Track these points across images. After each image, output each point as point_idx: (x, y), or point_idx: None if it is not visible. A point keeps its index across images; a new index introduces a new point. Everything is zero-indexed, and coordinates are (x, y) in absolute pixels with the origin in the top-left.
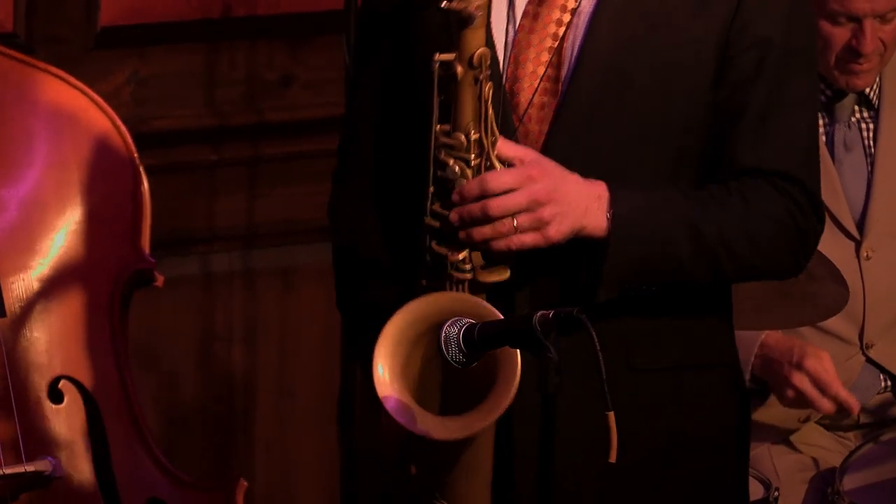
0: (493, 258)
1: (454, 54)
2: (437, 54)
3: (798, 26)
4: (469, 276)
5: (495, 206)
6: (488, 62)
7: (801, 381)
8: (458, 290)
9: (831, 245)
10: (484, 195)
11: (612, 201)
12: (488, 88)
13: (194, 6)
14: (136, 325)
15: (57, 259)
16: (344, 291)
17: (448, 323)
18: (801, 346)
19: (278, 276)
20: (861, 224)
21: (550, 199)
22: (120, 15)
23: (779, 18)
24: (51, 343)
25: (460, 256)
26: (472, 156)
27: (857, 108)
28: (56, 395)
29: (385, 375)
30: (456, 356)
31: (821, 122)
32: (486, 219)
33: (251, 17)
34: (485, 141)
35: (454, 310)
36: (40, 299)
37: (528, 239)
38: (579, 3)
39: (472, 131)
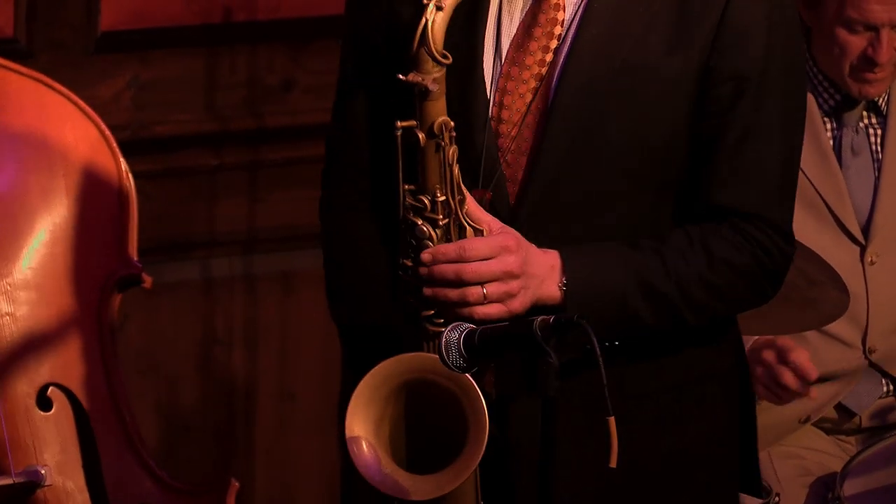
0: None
1: (415, 122)
2: (399, 122)
3: (777, 55)
4: (442, 329)
5: (470, 270)
6: (450, 129)
7: (768, 354)
8: (431, 341)
9: (836, 249)
10: (460, 259)
11: (564, 270)
12: (452, 152)
13: (195, 11)
14: (137, 330)
15: (43, 266)
16: (339, 310)
17: (448, 328)
18: (770, 336)
19: (279, 280)
20: (866, 229)
21: (522, 271)
22: (120, 19)
23: (755, 52)
24: (38, 350)
25: (432, 311)
26: (440, 217)
27: (865, 113)
28: (45, 403)
29: (358, 436)
30: (456, 361)
31: (828, 126)
32: (458, 282)
33: (252, 21)
34: (451, 202)
35: (425, 368)
36: (26, 306)
37: (493, 310)
38: (561, 41)
39: (439, 193)
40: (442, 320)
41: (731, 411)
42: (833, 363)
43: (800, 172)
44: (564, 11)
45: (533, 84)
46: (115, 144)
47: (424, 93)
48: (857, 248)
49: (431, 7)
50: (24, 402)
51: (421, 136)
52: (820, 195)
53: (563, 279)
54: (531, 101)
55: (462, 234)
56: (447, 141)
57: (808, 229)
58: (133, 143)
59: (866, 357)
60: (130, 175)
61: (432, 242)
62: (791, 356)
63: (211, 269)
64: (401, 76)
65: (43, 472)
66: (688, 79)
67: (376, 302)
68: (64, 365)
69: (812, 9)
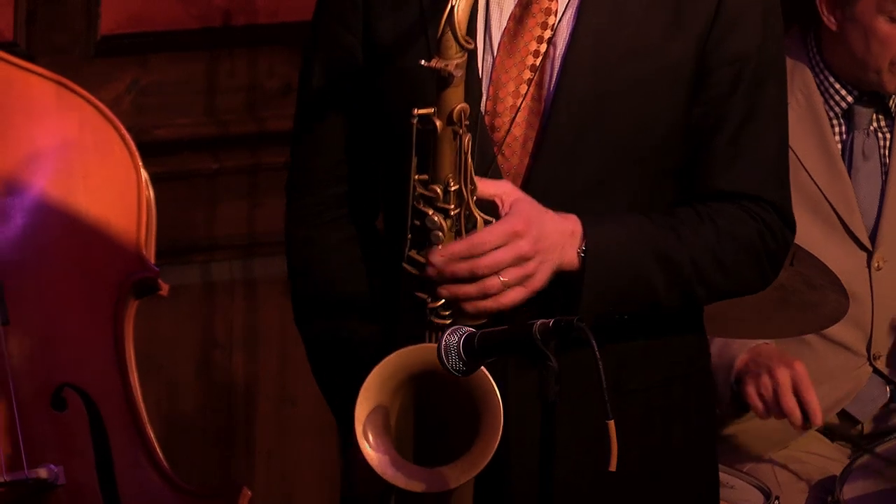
0: (480, 315)
1: (433, 109)
2: (416, 109)
3: (771, 37)
4: (449, 322)
5: (483, 265)
6: (467, 117)
7: (783, 374)
8: (436, 333)
9: (842, 254)
10: (471, 255)
11: (585, 236)
12: (467, 140)
13: (195, 15)
14: (137, 333)
15: (61, 266)
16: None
17: (448, 332)
18: (792, 356)
19: (279, 284)
20: (873, 235)
21: (535, 251)
22: (120, 23)
23: (752, 33)
24: (54, 350)
25: (440, 303)
26: (452, 206)
27: (875, 116)
28: (59, 403)
29: (367, 429)
30: (455, 365)
31: (837, 129)
32: (474, 278)
33: (251, 25)
34: (464, 191)
35: (432, 361)
36: (44, 307)
37: (516, 295)
38: (554, 32)
39: (452, 182)
40: (448, 312)
41: (709, 410)
42: (837, 370)
43: (807, 176)
44: (557, 2)
45: (528, 75)
46: (133, 146)
47: (447, 79)
48: (864, 254)
49: None
50: (39, 401)
51: (439, 123)
52: (827, 199)
53: (583, 245)
54: (526, 93)
55: (472, 224)
56: (464, 129)
57: (814, 234)
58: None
59: (871, 363)
60: (150, 178)
61: (442, 233)
62: (806, 395)
63: (211, 272)
64: (423, 62)
65: (56, 471)
66: (686, 63)
67: (343, 311)
68: (79, 366)
69: (841, 8)
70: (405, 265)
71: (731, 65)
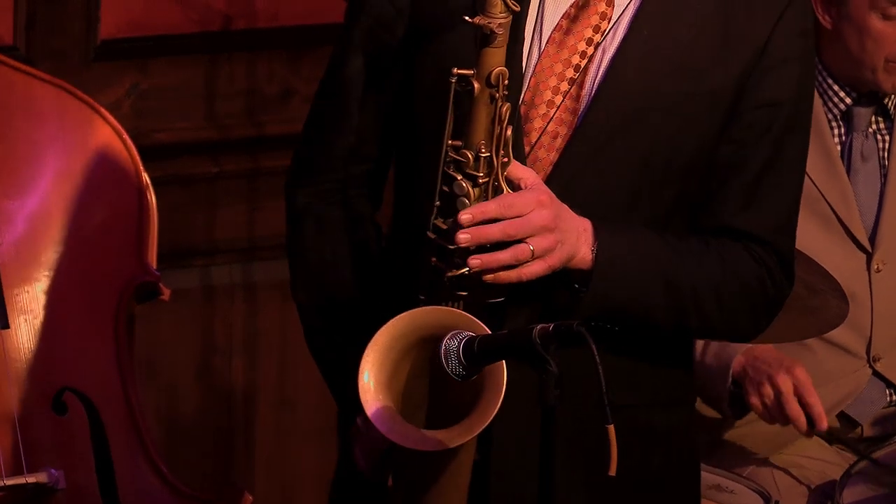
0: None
1: (472, 70)
2: (456, 69)
3: (806, 90)
4: (466, 294)
5: (516, 226)
6: (506, 82)
7: (784, 381)
8: (455, 304)
9: (842, 256)
10: (502, 217)
11: (598, 239)
12: (505, 109)
13: (194, 19)
14: (137, 337)
15: (62, 271)
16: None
17: (448, 336)
18: (791, 359)
19: (278, 288)
20: (873, 236)
21: (556, 225)
22: (120, 28)
23: (791, 80)
24: (55, 354)
25: (459, 273)
26: (481, 174)
27: (874, 118)
28: (60, 407)
29: (370, 383)
30: (456, 369)
31: (836, 131)
32: (504, 242)
33: (251, 29)
34: (495, 160)
35: (445, 324)
36: (45, 311)
37: (538, 267)
38: (604, 37)
39: (483, 149)
40: (466, 284)
41: (691, 447)
42: (837, 372)
43: (806, 178)
44: (613, 9)
45: (570, 74)
46: (135, 151)
47: (488, 37)
48: (864, 256)
49: None
50: (40, 405)
51: (476, 84)
52: (826, 201)
53: (595, 245)
54: (567, 91)
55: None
56: (501, 94)
57: (813, 235)
58: None
59: (870, 366)
60: (150, 182)
61: (468, 200)
62: (810, 400)
63: (211, 276)
64: (467, 17)
65: (57, 475)
66: (725, 93)
67: (345, 289)
68: (80, 369)
69: (836, 6)
70: (429, 234)
71: (765, 108)
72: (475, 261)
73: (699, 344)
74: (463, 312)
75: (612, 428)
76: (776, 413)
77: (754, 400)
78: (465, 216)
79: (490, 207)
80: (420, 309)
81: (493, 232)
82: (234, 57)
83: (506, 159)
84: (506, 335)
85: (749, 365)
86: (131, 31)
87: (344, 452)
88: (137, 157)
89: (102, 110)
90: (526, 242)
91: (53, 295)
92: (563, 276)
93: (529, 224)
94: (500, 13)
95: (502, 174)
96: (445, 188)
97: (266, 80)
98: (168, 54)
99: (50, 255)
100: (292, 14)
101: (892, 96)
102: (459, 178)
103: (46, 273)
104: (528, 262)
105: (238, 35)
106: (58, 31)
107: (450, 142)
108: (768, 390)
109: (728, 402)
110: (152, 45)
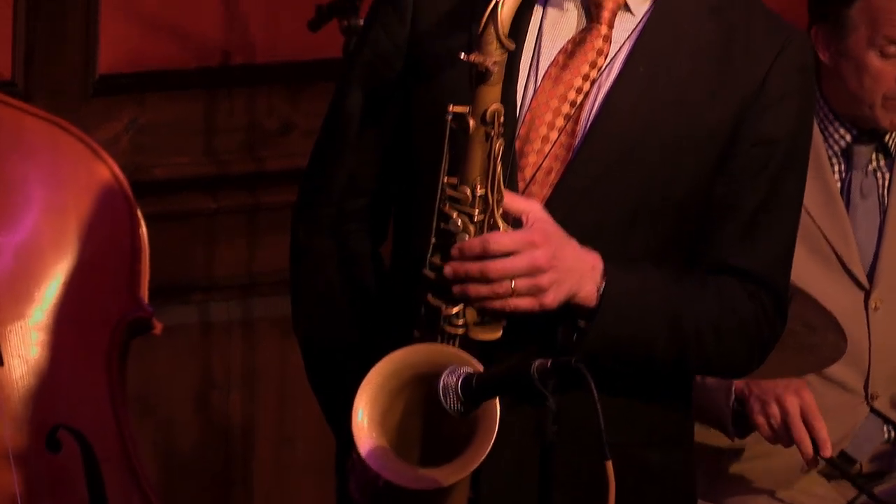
0: (488, 314)
1: (468, 108)
2: (451, 106)
3: (804, 128)
4: (461, 331)
5: (494, 268)
6: (501, 119)
7: (792, 403)
8: (449, 344)
9: (840, 293)
10: (485, 255)
11: (606, 275)
12: (499, 146)
13: (193, 54)
14: (135, 373)
15: (54, 307)
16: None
17: (446, 373)
18: (798, 381)
19: (277, 324)
20: (871, 274)
21: (550, 266)
22: (118, 62)
23: (790, 118)
24: (48, 391)
25: (454, 311)
26: (476, 211)
27: (875, 155)
28: (54, 444)
29: (363, 421)
30: (454, 405)
31: (836, 168)
32: (484, 279)
33: (250, 65)
34: (490, 198)
35: (439, 361)
36: (37, 347)
37: (524, 303)
38: (601, 73)
39: (479, 187)
40: (461, 322)
41: (688, 489)
42: (834, 408)
43: (805, 214)
44: (610, 45)
45: (566, 109)
46: (127, 186)
47: (483, 74)
48: (862, 293)
49: None
50: (34, 443)
51: (472, 121)
52: (825, 238)
53: (603, 283)
54: (562, 127)
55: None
56: (497, 131)
57: (811, 272)
58: (131, 186)
59: (868, 403)
60: (147, 217)
61: (468, 236)
62: (816, 423)
63: (209, 312)
64: (463, 55)
65: None
66: (722, 130)
67: (345, 323)
68: (74, 406)
69: (834, 43)
70: (425, 271)
71: (761, 145)
72: (457, 288)
73: None
74: (457, 350)
75: (609, 464)
76: (782, 434)
77: (760, 419)
78: (454, 252)
79: (472, 244)
80: (414, 346)
81: (472, 269)
82: (233, 92)
83: (499, 196)
84: (504, 371)
85: (754, 383)
86: (130, 67)
87: (341, 487)
88: (130, 192)
89: (95, 145)
90: (510, 280)
91: (46, 331)
92: (567, 312)
93: (512, 265)
94: (496, 51)
95: (498, 211)
96: (442, 225)
97: (265, 116)
98: (167, 89)
99: (42, 290)
100: (291, 49)
101: (894, 133)
102: (455, 215)
103: (38, 309)
104: (511, 297)
105: (237, 70)
106: (56, 65)
107: (445, 179)
108: (775, 410)
109: (731, 421)
110: (151, 80)
